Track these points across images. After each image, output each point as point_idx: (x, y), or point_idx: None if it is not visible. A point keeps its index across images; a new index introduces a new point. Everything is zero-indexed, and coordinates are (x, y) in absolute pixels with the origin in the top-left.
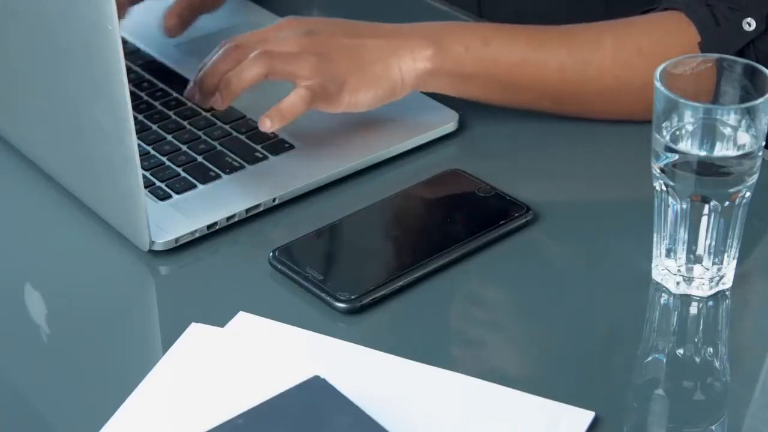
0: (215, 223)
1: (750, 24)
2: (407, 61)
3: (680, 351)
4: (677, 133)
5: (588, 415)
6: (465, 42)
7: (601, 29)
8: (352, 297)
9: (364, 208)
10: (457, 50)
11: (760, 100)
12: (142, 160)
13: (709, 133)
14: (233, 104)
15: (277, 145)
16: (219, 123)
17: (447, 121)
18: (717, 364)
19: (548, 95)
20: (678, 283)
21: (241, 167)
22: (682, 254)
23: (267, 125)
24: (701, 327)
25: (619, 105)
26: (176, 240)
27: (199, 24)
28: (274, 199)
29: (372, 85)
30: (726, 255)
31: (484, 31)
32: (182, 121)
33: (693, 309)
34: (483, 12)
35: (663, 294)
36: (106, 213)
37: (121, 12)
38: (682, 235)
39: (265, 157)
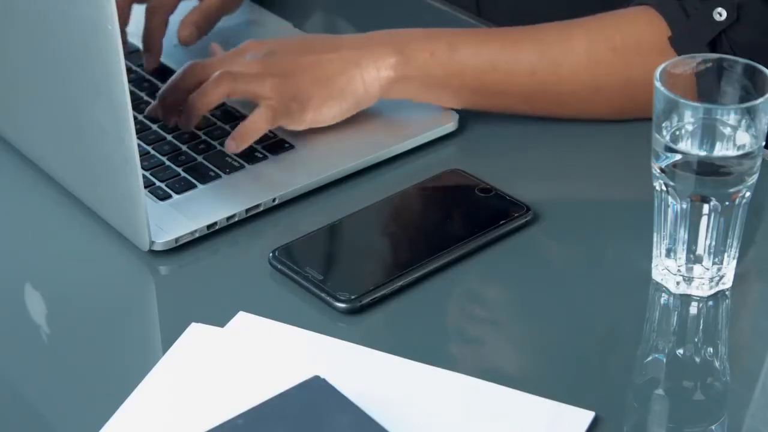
0: (215, 223)
1: (720, 14)
2: (370, 71)
3: (680, 351)
4: (677, 133)
5: (588, 415)
6: (430, 48)
7: (572, 27)
8: (352, 297)
9: (364, 208)
10: (422, 57)
11: (760, 100)
12: (142, 160)
13: (709, 133)
14: (233, 104)
15: (277, 145)
16: (219, 123)
17: (447, 121)
18: (717, 364)
19: (521, 99)
20: (678, 283)
21: (241, 167)
22: (682, 254)
23: (233, 147)
24: (701, 327)
25: (597, 104)
26: (176, 240)
27: None
28: (274, 199)
29: (335, 100)
30: (726, 255)
31: (451, 36)
32: None
33: (693, 309)
34: (482, 11)
35: (663, 294)
36: (106, 213)
37: (123, 20)
38: (682, 235)
39: (265, 157)
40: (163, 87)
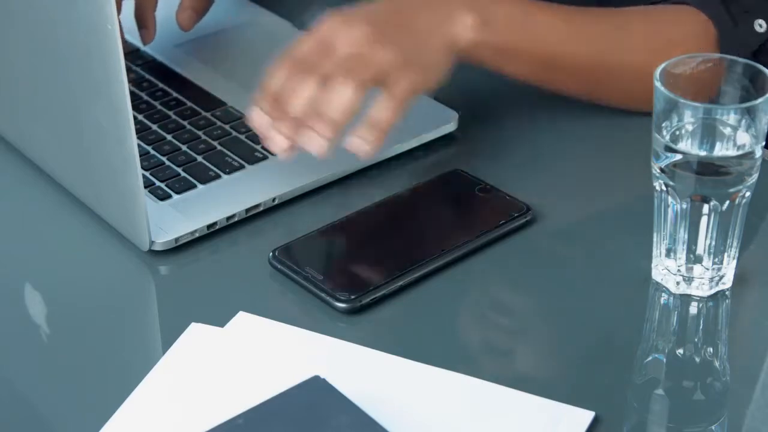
0: (215, 223)
1: (761, 25)
2: (458, 30)
3: (680, 351)
4: (677, 133)
5: (588, 415)
6: (508, 14)
7: (630, 14)
8: (352, 297)
9: (364, 208)
10: (500, 22)
11: (760, 100)
12: (142, 160)
13: (709, 133)
14: (233, 104)
15: None
16: (219, 123)
17: (447, 121)
18: (717, 364)
19: (582, 77)
20: (678, 283)
21: (241, 167)
22: (682, 254)
23: (367, 151)
24: (701, 327)
25: (644, 93)
26: (176, 240)
27: (199, 24)
28: (274, 199)
29: (444, 55)
30: (726, 255)
31: (525, 4)
32: (182, 121)
33: (693, 309)
34: None
35: (663, 294)
36: (106, 213)
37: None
38: (682, 235)
39: (265, 157)
40: (262, 98)
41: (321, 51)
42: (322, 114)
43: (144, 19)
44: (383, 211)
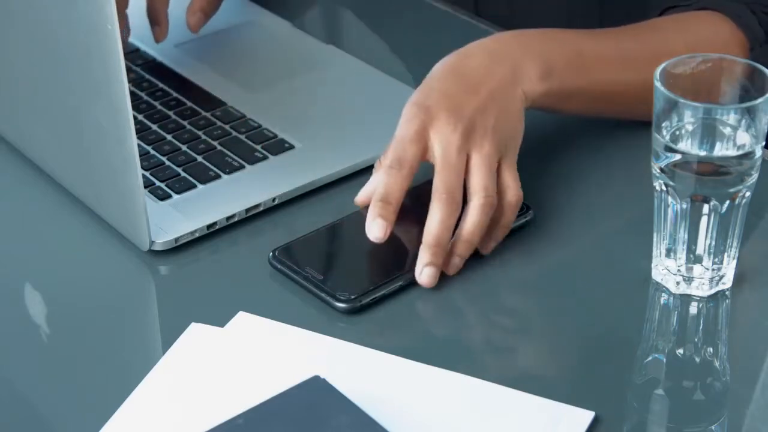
0: (215, 223)
1: None
2: (526, 86)
3: (680, 351)
4: (677, 133)
5: (588, 415)
6: (565, 57)
7: (668, 33)
8: (352, 297)
9: (364, 208)
10: (560, 68)
11: (760, 100)
12: (142, 160)
13: (708, 133)
14: (233, 104)
15: (277, 145)
16: (219, 123)
17: None
18: (717, 364)
19: (633, 101)
20: (678, 283)
21: (241, 167)
22: (682, 254)
23: (475, 249)
24: (701, 327)
25: None
26: (176, 240)
27: None
28: (274, 199)
29: (521, 123)
30: (726, 255)
31: (575, 42)
32: (182, 121)
33: (693, 309)
34: (480, 11)
35: (663, 294)
36: (106, 213)
37: (122, 20)
38: (682, 235)
39: (265, 157)
40: (433, 231)
41: (445, 179)
42: (467, 245)
43: (157, 16)
44: None
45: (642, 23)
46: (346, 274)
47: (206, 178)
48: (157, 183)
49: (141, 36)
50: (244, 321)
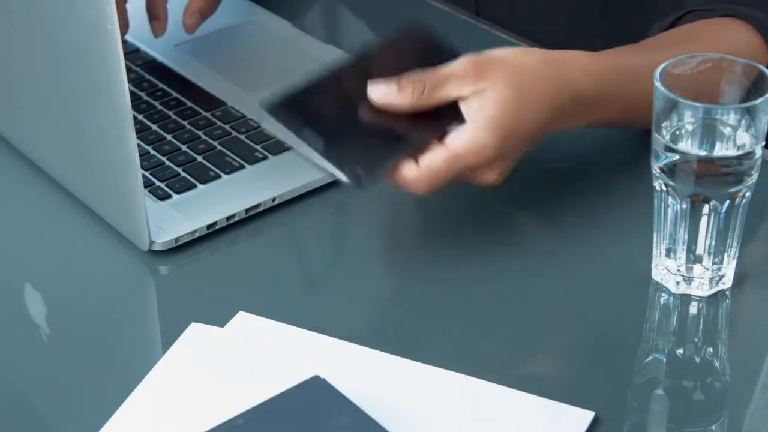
0: (215, 223)
1: None
2: (568, 121)
3: (680, 351)
4: (677, 132)
5: (588, 415)
6: (597, 80)
7: (690, 44)
8: (359, 171)
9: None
10: (593, 92)
11: (760, 100)
12: (142, 160)
13: (708, 132)
14: (233, 104)
15: (277, 145)
16: (219, 123)
17: None
18: (717, 364)
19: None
20: (678, 283)
21: (241, 167)
22: (682, 254)
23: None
24: (701, 327)
25: None
26: (176, 240)
27: None
28: (274, 199)
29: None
30: (726, 255)
31: (606, 67)
32: (182, 121)
33: (693, 309)
34: (480, 11)
35: (663, 294)
36: (106, 213)
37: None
38: (682, 234)
39: (265, 157)
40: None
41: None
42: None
43: (156, 11)
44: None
45: (676, 32)
46: (348, 144)
47: (206, 178)
48: (157, 183)
49: (141, 36)
50: (244, 321)
